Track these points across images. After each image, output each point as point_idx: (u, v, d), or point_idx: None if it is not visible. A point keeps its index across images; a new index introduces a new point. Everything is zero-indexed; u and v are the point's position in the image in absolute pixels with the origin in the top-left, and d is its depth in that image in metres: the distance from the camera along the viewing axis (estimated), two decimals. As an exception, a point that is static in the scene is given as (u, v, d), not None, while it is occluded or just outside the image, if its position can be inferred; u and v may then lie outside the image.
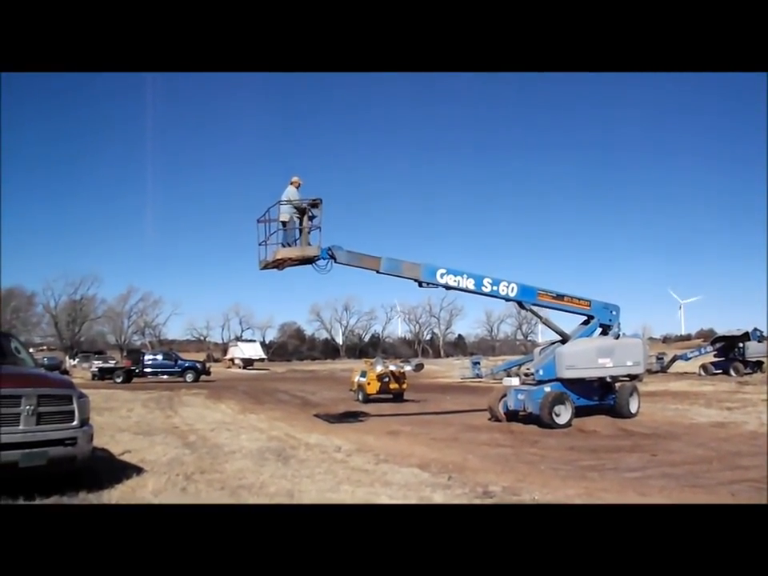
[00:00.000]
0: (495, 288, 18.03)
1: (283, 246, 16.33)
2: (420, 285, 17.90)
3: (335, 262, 16.36)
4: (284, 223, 16.28)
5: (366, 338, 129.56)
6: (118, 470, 9.37)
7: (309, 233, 16.33)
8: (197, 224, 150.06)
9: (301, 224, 16.30)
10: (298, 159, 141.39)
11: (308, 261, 16.41)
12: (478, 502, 8.05)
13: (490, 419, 18.67)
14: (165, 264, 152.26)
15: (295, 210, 16.21)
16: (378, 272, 17.07)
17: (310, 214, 16.29)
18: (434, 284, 17.87)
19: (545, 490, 9.10)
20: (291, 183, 16.58)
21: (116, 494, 7.80)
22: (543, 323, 21.16)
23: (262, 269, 16.93)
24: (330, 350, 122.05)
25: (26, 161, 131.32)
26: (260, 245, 16.69)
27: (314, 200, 16.23)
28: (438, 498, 8.24)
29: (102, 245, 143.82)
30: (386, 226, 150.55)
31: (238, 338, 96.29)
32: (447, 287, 18.07)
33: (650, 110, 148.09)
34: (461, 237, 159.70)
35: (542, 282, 18.93)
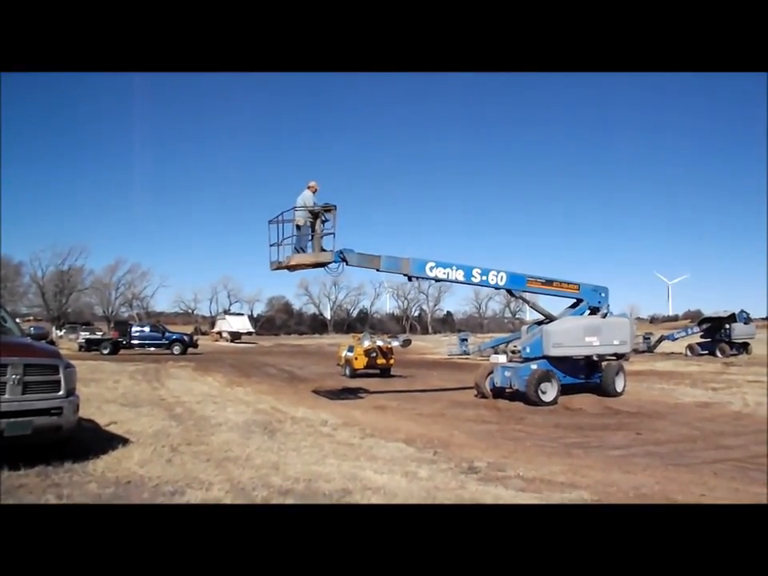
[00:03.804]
0: (485, 278, 18.22)
1: (296, 250, 16.40)
2: (409, 279, 18.25)
3: (346, 264, 16.54)
4: (298, 227, 16.34)
5: (354, 313, 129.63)
6: (104, 441, 9.33)
7: (321, 238, 16.41)
8: (186, 195, 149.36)
9: (314, 228, 16.39)
10: (289, 136, 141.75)
11: (320, 265, 16.67)
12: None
13: (476, 396, 18.79)
14: (153, 236, 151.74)
15: (309, 215, 16.29)
16: (378, 270, 17.34)
17: (323, 218, 16.36)
18: (424, 278, 18.12)
19: (530, 466, 9.17)
20: (308, 188, 16.61)
21: (101, 465, 7.79)
22: (531, 307, 21.31)
23: (273, 270, 17.00)
24: (317, 325, 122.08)
25: (14, 132, 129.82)
26: (271, 246, 16.73)
27: (327, 206, 16.30)
28: (424, 472, 8.28)
29: (90, 215, 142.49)
30: (383, 221, 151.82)
31: (226, 312, 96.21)
32: (437, 280, 18.29)
33: (637, 91, 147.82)
34: (452, 225, 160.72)
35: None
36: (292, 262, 16.34)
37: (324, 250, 16.31)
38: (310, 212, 16.25)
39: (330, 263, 16.44)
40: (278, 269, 16.83)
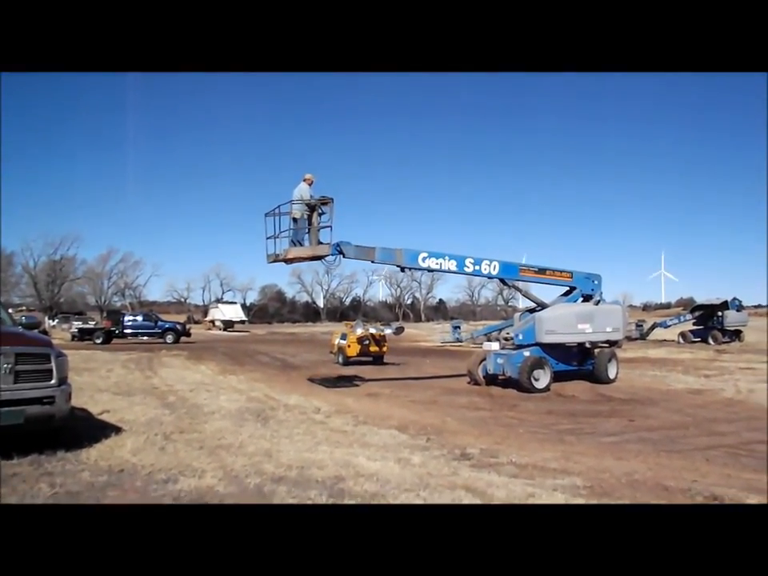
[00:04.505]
0: (477, 267, 18.18)
1: (293, 243, 16.38)
2: (402, 270, 18.28)
3: (343, 257, 16.54)
4: (295, 220, 16.32)
5: (347, 302, 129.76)
6: (97, 430, 9.32)
7: (318, 230, 16.42)
8: (178, 184, 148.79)
9: (310, 221, 16.38)
10: (284, 127, 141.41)
11: (318, 258, 16.70)
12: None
13: (469, 383, 18.84)
14: (146, 225, 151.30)
15: (306, 207, 16.29)
16: (373, 261, 17.39)
17: (320, 211, 16.39)
18: (417, 268, 18.12)
19: (522, 452, 9.20)
20: (304, 180, 16.62)
21: (94, 453, 7.78)
22: (524, 296, 21.34)
23: (270, 263, 16.97)
24: (310, 313, 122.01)
25: (7, 122, 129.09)
26: (268, 239, 16.63)
27: (323, 198, 16.33)
28: (417, 459, 8.31)
29: (82, 205, 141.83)
30: (380, 210, 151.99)
31: (219, 300, 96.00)
32: (430, 270, 18.28)
33: (634, 84, 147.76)
34: (447, 216, 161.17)
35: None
36: (289, 256, 16.32)
37: (321, 243, 16.32)
38: (307, 205, 16.25)
39: (327, 256, 16.42)
40: (275, 261, 16.78)
